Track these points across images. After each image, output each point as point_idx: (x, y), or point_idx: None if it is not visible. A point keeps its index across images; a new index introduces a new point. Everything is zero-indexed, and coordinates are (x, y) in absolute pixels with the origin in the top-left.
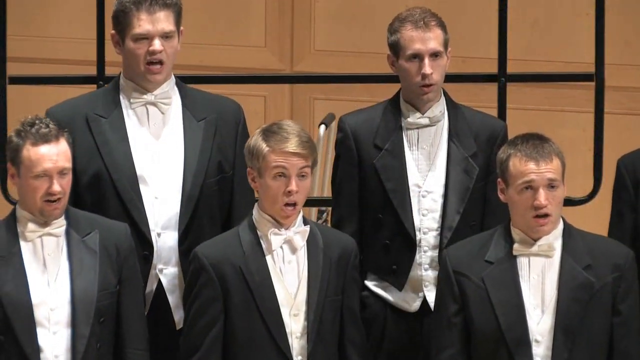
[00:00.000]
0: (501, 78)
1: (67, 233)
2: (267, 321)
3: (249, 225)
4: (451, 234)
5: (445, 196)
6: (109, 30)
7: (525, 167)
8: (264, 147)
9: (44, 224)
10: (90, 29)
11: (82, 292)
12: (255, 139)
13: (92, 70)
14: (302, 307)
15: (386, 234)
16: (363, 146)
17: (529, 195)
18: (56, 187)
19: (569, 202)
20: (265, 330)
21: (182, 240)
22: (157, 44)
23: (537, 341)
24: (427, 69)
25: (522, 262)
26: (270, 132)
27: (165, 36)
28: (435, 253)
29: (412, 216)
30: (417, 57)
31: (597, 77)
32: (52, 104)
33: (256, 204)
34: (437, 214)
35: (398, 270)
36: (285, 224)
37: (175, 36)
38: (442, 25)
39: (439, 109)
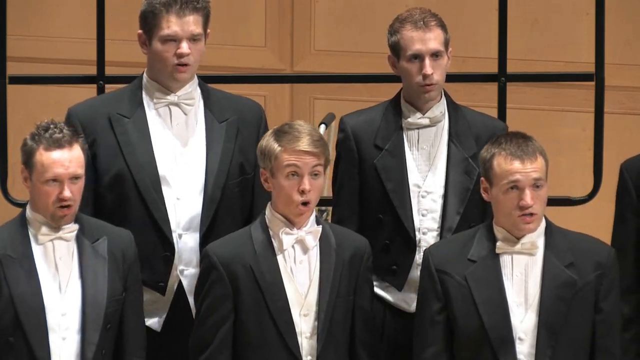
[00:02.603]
0: (501, 78)
1: (78, 238)
2: (277, 320)
3: (261, 225)
4: (451, 234)
5: (445, 197)
6: (109, 30)
7: (511, 166)
8: (275, 147)
9: (57, 228)
10: (90, 29)
11: (92, 299)
12: (267, 140)
13: (92, 70)
14: (313, 307)
15: (386, 234)
16: (363, 146)
17: (514, 195)
18: (67, 193)
19: (569, 202)
20: (275, 330)
21: (204, 242)
22: (185, 47)
23: (520, 339)
24: (428, 69)
25: (505, 260)
26: (282, 132)
27: (193, 39)
28: None
29: (412, 216)
30: (418, 57)
31: (597, 77)
32: (52, 103)
33: (269, 204)
34: (437, 215)
35: (398, 271)
36: (297, 223)
37: (202, 39)
38: (443, 25)
39: (440, 109)
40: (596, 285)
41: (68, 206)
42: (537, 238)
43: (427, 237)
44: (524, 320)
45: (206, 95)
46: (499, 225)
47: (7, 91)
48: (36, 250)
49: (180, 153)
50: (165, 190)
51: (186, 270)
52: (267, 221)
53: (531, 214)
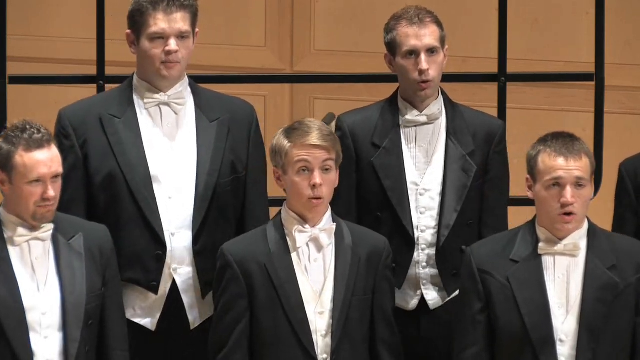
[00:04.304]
0: (501, 78)
1: (53, 236)
2: (291, 318)
3: (276, 223)
4: (448, 232)
5: (443, 194)
6: (109, 29)
7: (554, 162)
8: (285, 143)
9: (33, 228)
10: (90, 29)
11: (72, 296)
12: (278, 138)
13: (92, 70)
14: (328, 305)
15: (385, 232)
16: (361, 145)
17: (556, 192)
18: (51, 193)
19: None
20: (290, 328)
21: (196, 240)
22: (172, 44)
23: (561, 341)
24: (424, 64)
25: (547, 262)
26: (292, 129)
27: (181, 36)
28: (433, 251)
29: (410, 214)
30: (413, 53)
31: (597, 77)
32: (52, 104)
33: (285, 202)
34: (435, 212)
35: (397, 269)
36: (311, 219)
37: (191, 37)
38: (438, 22)
39: (437, 107)
40: (637, 287)
41: (51, 203)
42: (579, 239)
43: (426, 234)
44: (565, 322)
45: (196, 95)
46: (542, 225)
47: (7, 91)
48: (12, 251)
49: (171, 152)
50: (156, 189)
51: (179, 268)
52: (282, 219)
53: (570, 213)
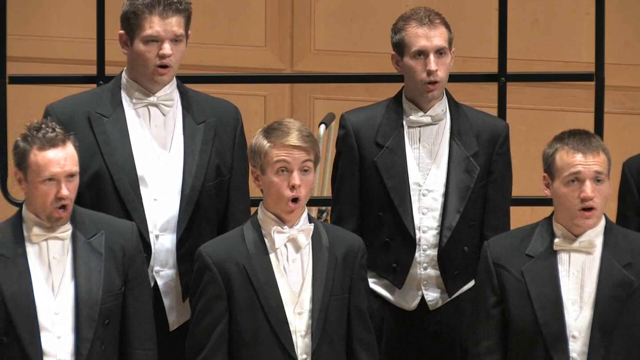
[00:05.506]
0: (501, 78)
1: (73, 235)
2: (271, 319)
3: (253, 224)
4: (451, 233)
5: (446, 195)
6: (109, 29)
7: (573, 158)
8: (265, 143)
9: (50, 228)
10: (90, 29)
11: (86, 296)
12: (257, 138)
13: (92, 70)
14: (307, 306)
15: (386, 232)
16: (364, 144)
17: (575, 188)
18: (64, 192)
19: None
20: (269, 329)
21: (180, 243)
22: (167, 48)
23: (574, 337)
24: (433, 65)
25: (562, 258)
26: (271, 129)
27: (175, 40)
28: (435, 252)
29: (412, 215)
30: (422, 54)
31: (597, 77)
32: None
33: (261, 203)
34: (437, 213)
35: (398, 269)
36: (289, 220)
37: (184, 40)
38: (446, 24)
39: (441, 107)
40: None
41: (65, 206)
42: (595, 237)
43: (427, 235)
44: (578, 318)
45: (184, 97)
46: (559, 222)
47: (7, 91)
48: (30, 249)
49: (158, 154)
50: (143, 190)
51: (162, 271)
52: (259, 220)
53: (591, 209)
